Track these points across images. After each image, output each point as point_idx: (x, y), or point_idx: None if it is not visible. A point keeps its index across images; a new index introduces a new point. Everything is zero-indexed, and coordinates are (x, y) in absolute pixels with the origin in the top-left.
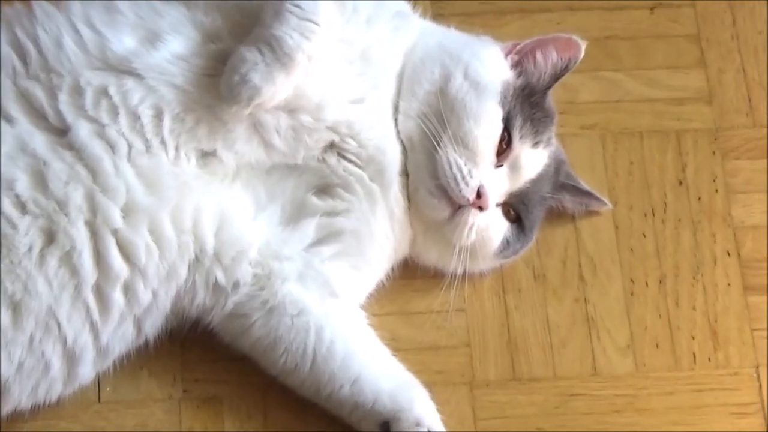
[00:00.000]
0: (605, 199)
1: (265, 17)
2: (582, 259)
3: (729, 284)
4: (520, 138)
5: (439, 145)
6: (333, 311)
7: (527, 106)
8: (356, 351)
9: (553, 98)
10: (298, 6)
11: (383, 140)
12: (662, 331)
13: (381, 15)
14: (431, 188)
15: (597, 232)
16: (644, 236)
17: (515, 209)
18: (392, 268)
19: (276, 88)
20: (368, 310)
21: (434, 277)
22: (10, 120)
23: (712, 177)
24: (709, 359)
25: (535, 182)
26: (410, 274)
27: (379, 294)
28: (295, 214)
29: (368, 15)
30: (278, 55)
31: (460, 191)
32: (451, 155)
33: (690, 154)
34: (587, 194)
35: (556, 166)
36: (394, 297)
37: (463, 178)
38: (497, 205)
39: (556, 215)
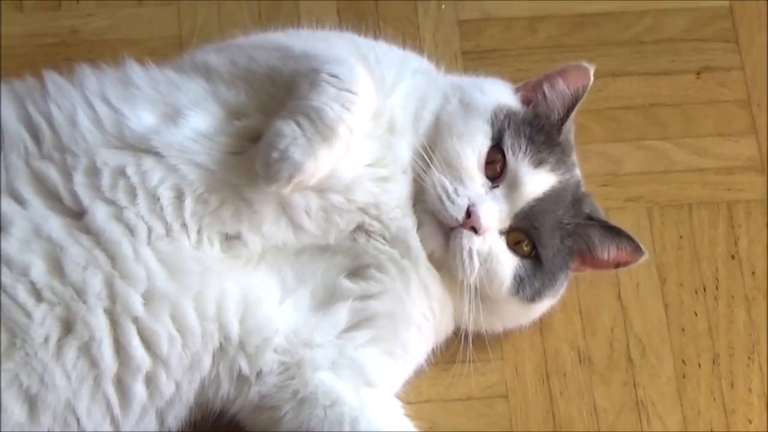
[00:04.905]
0: (639, 242)
1: (300, 89)
2: (630, 340)
3: None
4: (514, 155)
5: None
6: (368, 401)
7: (539, 133)
8: None
9: (595, 169)
10: (335, 76)
11: (405, 219)
12: (717, 415)
13: (403, 77)
14: (421, 217)
15: (645, 310)
16: (696, 314)
17: (526, 233)
18: (434, 352)
19: (318, 164)
20: (404, 399)
21: (476, 361)
22: (22, 202)
23: (767, 250)
24: None
25: (544, 202)
26: (450, 358)
27: (417, 380)
28: (326, 299)
29: (392, 81)
30: (319, 127)
31: (446, 210)
32: (435, 176)
33: (742, 226)
34: (617, 232)
35: (576, 195)
36: (432, 383)
37: (449, 197)
38: (501, 232)
39: (603, 292)
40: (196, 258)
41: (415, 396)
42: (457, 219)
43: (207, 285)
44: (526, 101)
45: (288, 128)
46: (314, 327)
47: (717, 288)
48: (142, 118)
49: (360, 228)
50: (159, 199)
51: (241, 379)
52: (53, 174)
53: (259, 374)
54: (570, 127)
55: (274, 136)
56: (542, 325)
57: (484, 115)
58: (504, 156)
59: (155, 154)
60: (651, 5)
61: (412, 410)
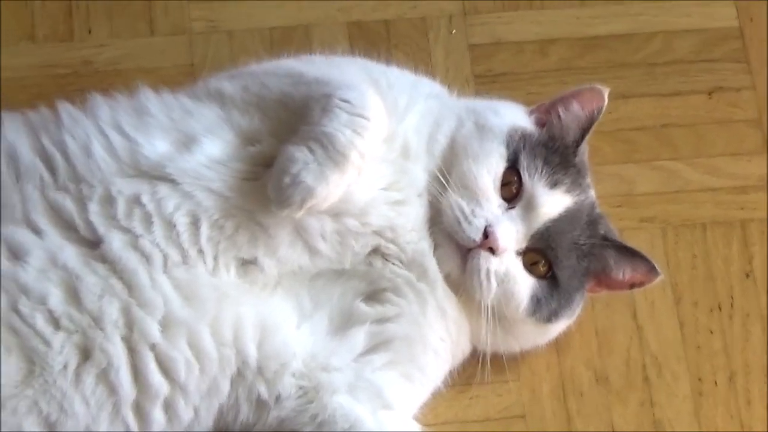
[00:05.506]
0: (654, 262)
1: (313, 114)
2: (646, 359)
3: None
4: (530, 176)
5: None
6: (386, 424)
7: (554, 155)
8: None
9: (609, 190)
10: (347, 101)
11: (421, 241)
12: None
13: (416, 101)
14: (438, 239)
15: (661, 329)
16: (711, 333)
17: (543, 253)
18: (451, 374)
19: (330, 189)
20: (422, 421)
21: (492, 383)
22: (39, 233)
23: None
24: None
25: (560, 222)
26: (467, 380)
27: (435, 402)
28: (343, 323)
29: (405, 105)
30: (330, 153)
31: (464, 232)
32: (452, 198)
33: (756, 244)
34: (633, 253)
35: (591, 216)
36: (449, 405)
37: (466, 218)
38: (518, 253)
39: (618, 312)
40: (212, 284)
41: (433, 418)
42: (474, 240)
43: (223, 311)
44: (540, 123)
45: (300, 153)
46: (331, 351)
47: (732, 306)
48: (156, 146)
49: (376, 251)
50: (175, 226)
51: (260, 404)
52: (68, 204)
53: (277, 399)
54: (584, 149)
55: (286, 162)
56: (558, 345)
57: (499, 136)
58: (520, 177)
59: (170, 181)
60: (661, 27)
61: None
